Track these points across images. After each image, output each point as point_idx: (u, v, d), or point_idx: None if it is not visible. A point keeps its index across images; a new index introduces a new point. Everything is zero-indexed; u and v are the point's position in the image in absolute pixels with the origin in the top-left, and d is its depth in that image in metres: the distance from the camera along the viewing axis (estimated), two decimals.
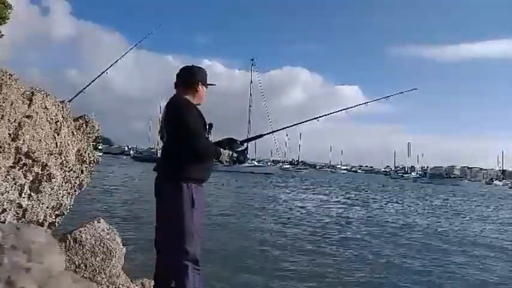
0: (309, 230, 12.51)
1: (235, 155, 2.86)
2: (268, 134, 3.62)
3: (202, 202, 2.68)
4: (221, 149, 2.77)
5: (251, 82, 69.67)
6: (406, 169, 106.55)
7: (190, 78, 2.82)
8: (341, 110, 4.13)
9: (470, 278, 8.37)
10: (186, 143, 2.56)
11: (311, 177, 56.10)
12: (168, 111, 2.70)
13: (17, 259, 2.43)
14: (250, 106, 69.10)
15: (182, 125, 2.58)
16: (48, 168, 3.05)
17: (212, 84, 2.94)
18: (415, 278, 8.02)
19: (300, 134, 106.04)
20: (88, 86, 5.87)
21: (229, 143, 2.90)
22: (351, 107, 4.15)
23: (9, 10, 3.88)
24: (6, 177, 2.78)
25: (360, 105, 4.20)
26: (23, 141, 2.84)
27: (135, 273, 4.03)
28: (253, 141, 3.51)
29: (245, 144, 3.05)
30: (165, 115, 2.72)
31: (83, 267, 3.25)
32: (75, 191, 3.40)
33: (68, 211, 3.38)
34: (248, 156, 3.11)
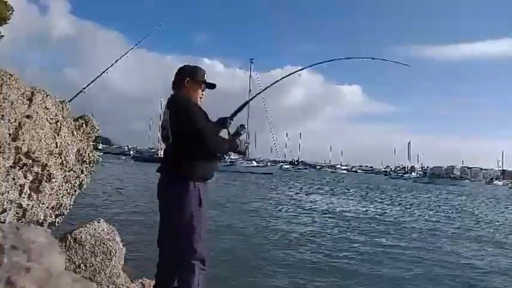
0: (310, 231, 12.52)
1: (245, 143, 2.88)
2: (252, 98, 3.68)
3: (208, 201, 2.69)
4: (237, 139, 2.77)
5: (250, 81, 69.56)
6: (406, 169, 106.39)
7: (179, 76, 2.80)
8: (323, 62, 4.10)
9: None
10: (195, 141, 2.54)
11: (312, 177, 56.07)
12: (171, 111, 2.65)
13: (17, 259, 2.43)
14: (249, 105, 68.91)
15: (189, 123, 2.55)
16: (48, 168, 3.05)
17: (211, 85, 2.87)
18: None
19: (300, 134, 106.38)
20: (88, 86, 5.86)
21: (223, 123, 2.89)
22: (336, 59, 4.10)
23: (10, 11, 3.87)
24: (6, 177, 2.78)
25: (340, 59, 4.17)
26: (23, 141, 2.84)
27: (135, 273, 4.03)
28: (254, 141, 3.54)
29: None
30: (169, 115, 2.66)
31: (83, 267, 3.26)
32: (75, 191, 3.40)
33: (68, 211, 3.38)
34: (248, 141, 3.11)
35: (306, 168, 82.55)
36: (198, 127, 2.54)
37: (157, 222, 2.75)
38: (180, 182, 2.58)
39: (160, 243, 2.74)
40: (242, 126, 2.91)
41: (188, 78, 2.77)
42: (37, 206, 3.06)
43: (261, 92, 3.91)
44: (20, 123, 2.86)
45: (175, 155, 2.64)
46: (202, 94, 2.84)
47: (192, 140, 2.54)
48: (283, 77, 3.78)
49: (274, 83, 3.66)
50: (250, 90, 68.70)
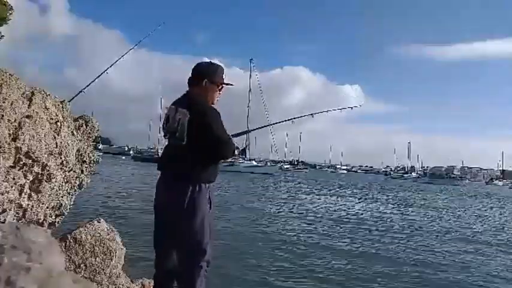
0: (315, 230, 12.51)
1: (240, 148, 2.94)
2: (254, 130, 3.84)
3: (213, 203, 2.68)
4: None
5: (250, 82, 69.48)
6: (406, 169, 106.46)
7: (196, 76, 2.72)
8: (309, 115, 4.93)
9: None
10: (212, 147, 2.53)
11: (312, 177, 56.05)
12: (192, 112, 2.53)
13: (17, 259, 2.43)
14: (248, 106, 68.92)
15: (212, 130, 2.52)
16: (48, 168, 3.05)
17: (229, 84, 2.81)
18: None
19: (300, 134, 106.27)
20: (88, 86, 5.88)
21: None
22: (317, 113, 5.01)
23: (10, 11, 3.87)
24: (6, 177, 2.78)
25: (323, 111, 5.07)
26: (23, 141, 2.84)
27: (135, 273, 4.03)
28: (254, 141, 3.61)
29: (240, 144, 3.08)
30: (189, 116, 2.53)
31: (83, 267, 3.25)
32: (75, 191, 3.40)
33: (68, 211, 3.38)
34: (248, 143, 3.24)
35: (306, 168, 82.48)
36: (221, 137, 2.54)
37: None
38: (192, 183, 2.53)
39: (158, 243, 2.71)
40: (243, 150, 2.96)
41: (206, 79, 2.69)
42: (37, 206, 3.06)
43: (266, 126, 4.17)
44: (20, 123, 2.86)
45: (188, 155, 2.54)
46: (219, 94, 2.78)
47: (210, 144, 2.52)
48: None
49: (283, 121, 4.04)
50: (250, 90, 68.87)
